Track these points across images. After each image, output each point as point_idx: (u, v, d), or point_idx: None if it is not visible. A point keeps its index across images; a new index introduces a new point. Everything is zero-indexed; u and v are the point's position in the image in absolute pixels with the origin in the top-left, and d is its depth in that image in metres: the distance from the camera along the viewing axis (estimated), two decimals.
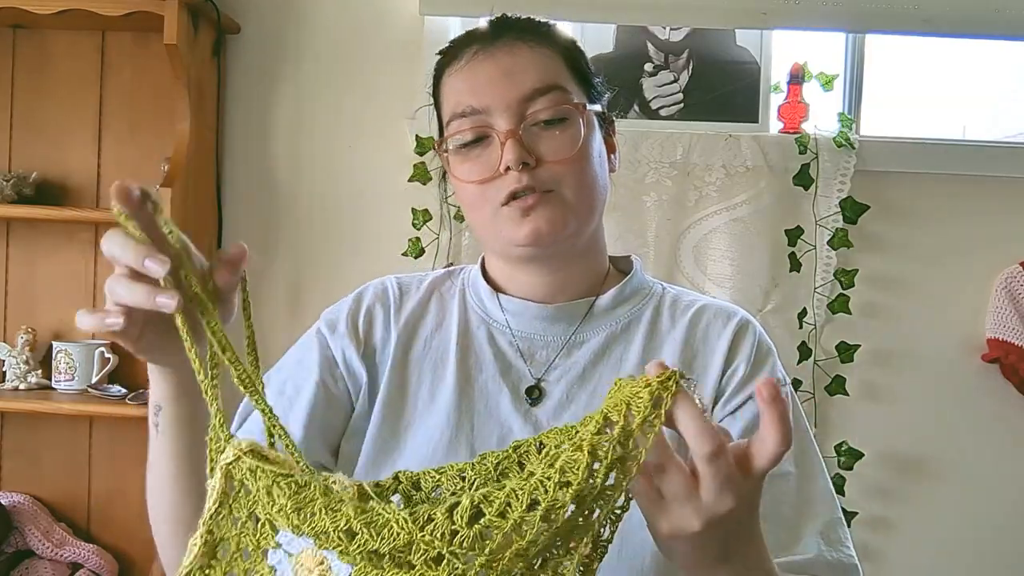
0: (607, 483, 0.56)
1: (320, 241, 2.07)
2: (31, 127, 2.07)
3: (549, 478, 0.56)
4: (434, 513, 0.56)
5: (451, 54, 0.94)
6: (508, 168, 0.86)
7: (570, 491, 0.55)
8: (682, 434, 0.59)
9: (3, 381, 2.02)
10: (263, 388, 0.67)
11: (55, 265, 2.07)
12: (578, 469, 0.55)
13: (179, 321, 0.64)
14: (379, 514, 0.57)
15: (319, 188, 2.07)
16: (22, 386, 1.98)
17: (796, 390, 1.98)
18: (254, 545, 0.61)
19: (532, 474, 0.57)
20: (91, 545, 1.98)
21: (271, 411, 0.67)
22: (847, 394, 1.99)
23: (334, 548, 0.57)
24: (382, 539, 0.56)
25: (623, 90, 2.06)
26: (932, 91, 2.20)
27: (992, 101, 2.23)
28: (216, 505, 0.62)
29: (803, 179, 1.96)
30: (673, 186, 1.97)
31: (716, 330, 0.94)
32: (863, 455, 1.98)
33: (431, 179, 2.00)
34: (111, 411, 1.89)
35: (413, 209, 2.01)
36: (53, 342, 2.01)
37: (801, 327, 1.98)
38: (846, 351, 1.99)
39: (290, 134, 2.07)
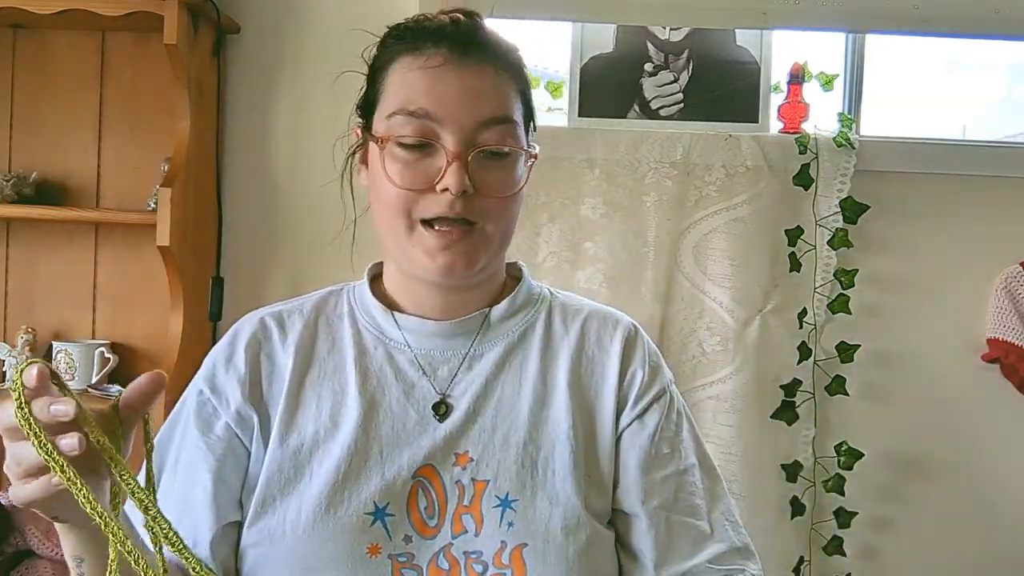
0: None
1: (320, 241, 2.07)
2: (31, 127, 2.07)
3: None
4: None
5: (413, 43, 0.92)
6: (446, 190, 0.85)
7: None
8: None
9: (3, 381, 2.02)
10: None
11: (55, 265, 2.07)
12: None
13: (65, 480, 0.64)
14: None
15: (319, 188, 2.07)
16: None
17: (796, 390, 1.98)
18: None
19: None
20: None
21: (176, 537, 0.69)
22: (847, 394, 1.99)
23: None
24: None
25: (623, 90, 2.06)
26: (932, 91, 2.20)
27: (992, 101, 2.24)
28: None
29: (803, 179, 1.96)
30: (673, 186, 1.97)
31: (607, 337, 0.96)
32: (863, 455, 1.98)
33: None
34: None
35: None
36: (53, 342, 2.01)
37: (801, 327, 1.98)
38: (846, 351, 1.99)
39: (290, 134, 2.07)
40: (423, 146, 0.87)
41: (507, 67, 0.91)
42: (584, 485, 0.88)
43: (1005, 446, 2.02)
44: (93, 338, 2.04)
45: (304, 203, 2.07)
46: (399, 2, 2.02)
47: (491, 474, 0.87)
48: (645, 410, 0.93)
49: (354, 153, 0.99)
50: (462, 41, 0.89)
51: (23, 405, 0.64)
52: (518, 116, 0.91)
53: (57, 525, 0.74)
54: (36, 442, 0.63)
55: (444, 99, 0.87)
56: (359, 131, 0.97)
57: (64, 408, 0.64)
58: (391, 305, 0.96)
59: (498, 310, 0.96)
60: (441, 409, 0.91)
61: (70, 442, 0.64)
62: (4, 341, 2.05)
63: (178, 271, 1.85)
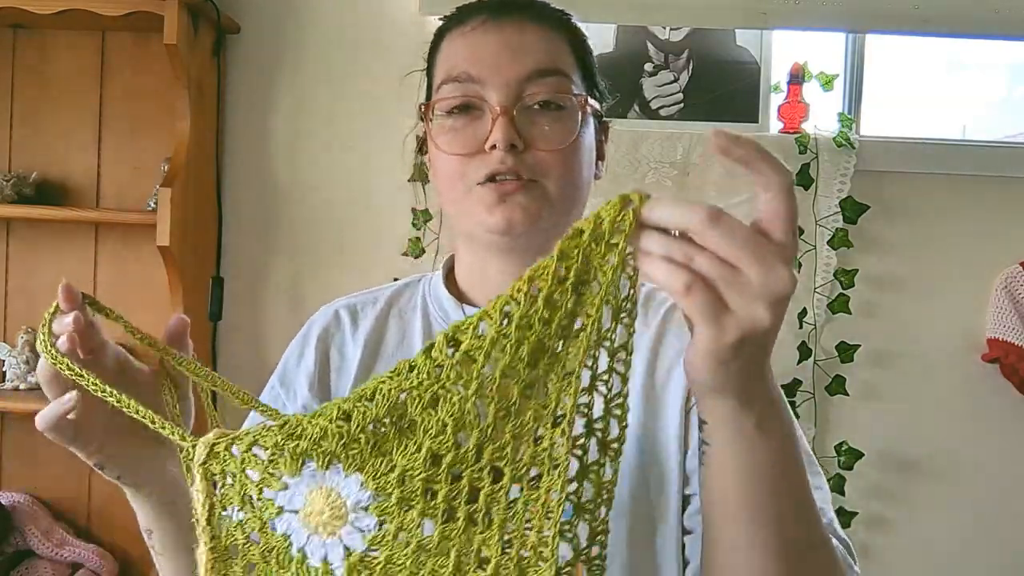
0: (584, 301, 0.54)
1: (320, 241, 2.07)
2: (31, 127, 2.07)
3: (519, 289, 0.54)
4: (414, 361, 0.55)
5: (456, 18, 0.89)
6: (494, 147, 0.81)
7: (540, 298, 0.53)
8: (670, 227, 0.55)
9: (3, 381, 2.02)
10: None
11: (55, 265, 2.07)
12: (545, 274, 0.53)
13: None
14: (365, 389, 0.56)
15: (319, 188, 2.07)
16: (22, 386, 1.98)
17: (796, 390, 1.98)
18: (258, 525, 0.59)
19: (500, 296, 0.54)
20: (91, 545, 1.98)
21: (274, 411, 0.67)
22: (847, 394, 1.99)
23: (334, 446, 0.56)
24: (376, 404, 0.55)
25: (623, 90, 2.06)
26: (932, 91, 2.20)
27: (992, 101, 2.23)
28: (207, 510, 0.60)
29: (803, 179, 1.96)
30: (673, 186, 1.97)
31: (671, 312, 0.91)
32: (863, 455, 1.98)
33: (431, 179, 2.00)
34: None
35: (413, 209, 2.01)
36: None
37: (801, 327, 1.98)
38: (846, 351, 1.99)
39: (290, 134, 2.07)
40: (468, 109, 0.84)
41: (554, 24, 0.87)
42: (650, 484, 0.83)
43: (1005, 446, 2.02)
44: None
45: (304, 203, 2.07)
46: (399, 2, 2.02)
47: None
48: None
49: (421, 146, 0.95)
50: (503, 5, 0.86)
51: (45, 323, 0.65)
52: (570, 70, 0.86)
53: (127, 492, 0.74)
54: (46, 350, 0.64)
55: (484, 59, 0.84)
56: (423, 116, 0.93)
57: (70, 319, 0.65)
58: (462, 298, 0.92)
59: None
60: None
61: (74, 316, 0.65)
62: (4, 341, 2.05)
63: (178, 271, 1.85)
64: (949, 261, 2.02)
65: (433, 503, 0.55)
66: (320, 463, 0.56)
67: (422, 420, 0.55)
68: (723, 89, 2.06)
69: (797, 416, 1.98)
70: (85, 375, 0.63)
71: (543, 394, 0.55)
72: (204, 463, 0.59)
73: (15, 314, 2.08)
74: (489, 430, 0.54)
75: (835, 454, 1.98)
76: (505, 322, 0.53)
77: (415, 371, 0.54)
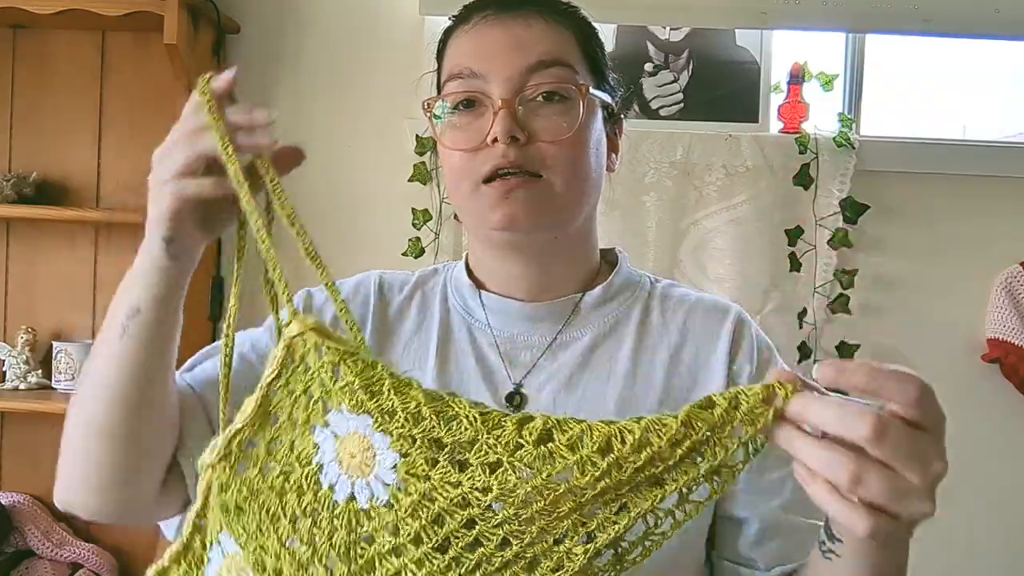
0: (686, 464, 0.54)
1: (320, 241, 2.06)
2: (31, 127, 2.07)
3: (631, 431, 0.54)
4: (505, 421, 0.55)
5: (462, 17, 0.89)
6: (496, 140, 0.80)
7: (646, 452, 0.53)
8: (822, 431, 0.54)
9: (3, 381, 2.02)
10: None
11: (55, 265, 2.07)
12: (663, 433, 0.54)
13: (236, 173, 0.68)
14: (449, 406, 0.57)
15: (319, 188, 2.06)
16: (22, 386, 1.98)
17: None
18: (303, 419, 0.61)
19: (614, 422, 0.55)
20: (91, 545, 1.98)
21: (336, 290, 0.72)
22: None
23: (396, 430, 0.57)
24: (448, 430, 0.56)
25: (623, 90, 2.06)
26: (932, 91, 2.20)
27: (992, 101, 2.23)
28: (275, 374, 0.62)
29: (803, 179, 1.96)
30: (673, 186, 1.97)
31: (713, 328, 0.88)
32: None
33: (431, 179, 2.00)
34: None
35: (413, 209, 2.01)
36: (53, 342, 2.01)
37: (801, 327, 1.98)
38: (846, 351, 1.99)
39: (290, 134, 2.06)
40: (472, 105, 0.83)
41: (559, 16, 0.86)
42: None
43: (1005, 446, 2.02)
44: (93, 338, 2.03)
45: (304, 202, 2.06)
46: (399, 2, 2.02)
47: None
48: None
49: (434, 147, 0.96)
50: (509, 0, 0.86)
51: (210, 99, 0.69)
52: (574, 61, 0.85)
53: (150, 261, 0.75)
54: (219, 136, 0.68)
55: (486, 53, 0.83)
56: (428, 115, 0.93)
57: (263, 114, 0.69)
58: (482, 285, 0.91)
59: (591, 296, 0.89)
60: (515, 400, 0.85)
61: (262, 113, 0.70)
62: (4, 341, 2.05)
63: None
64: (949, 261, 2.02)
65: (437, 528, 0.57)
66: (376, 425, 0.58)
67: (474, 472, 0.56)
68: (723, 89, 2.06)
69: None
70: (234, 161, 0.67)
71: (591, 515, 0.56)
72: (294, 336, 0.62)
73: (15, 314, 2.08)
74: (523, 518, 0.55)
75: None
76: (599, 451, 0.54)
77: (500, 431, 0.55)
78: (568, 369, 0.86)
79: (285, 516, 0.61)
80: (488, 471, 0.55)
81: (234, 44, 2.07)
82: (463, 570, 0.56)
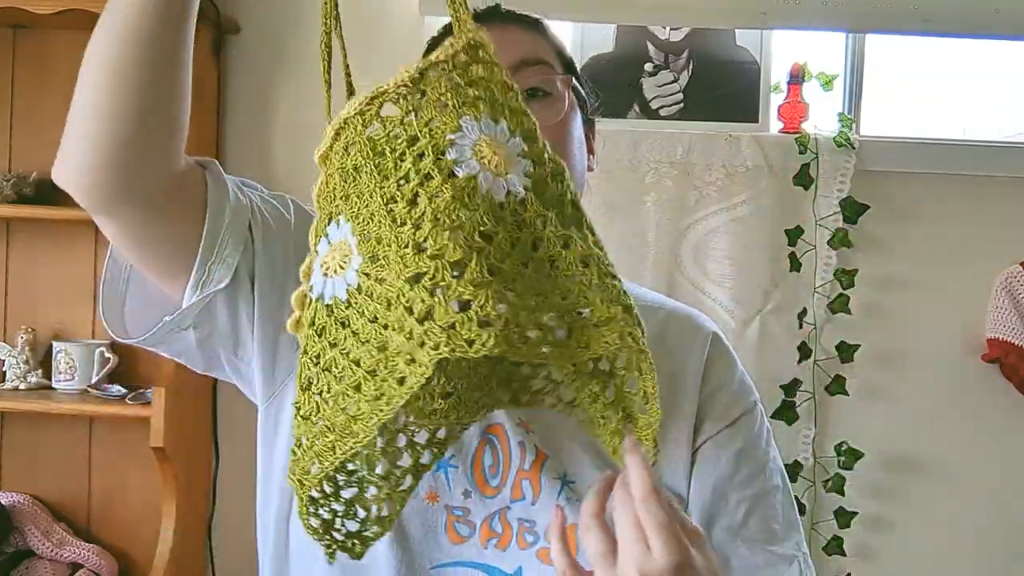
0: None
1: None
2: (31, 127, 2.07)
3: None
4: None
5: (440, 39, 0.93)
6: None
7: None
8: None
9: (3, 381, 2.02)
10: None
11: (55, 265, 2.07)
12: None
13: None
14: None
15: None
16: (22, 386, 1.98)
17: (796, 390, 1.98)
18: (456, 104, 0.64)
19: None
20: (91, 545, 1.98)
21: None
22: (847, 394, 1.99)
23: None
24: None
25: (623, 90, 2.06)
26: (932, 91, 2.20)
27: (992, 101, 2.23)
28: (446, 57, 0.66)
29: (803, 179, 1.96)
30: (673, 186, 1.97)
31: (688, 341, 0.90)
32: (863, 455, 1.98)
33: None
34: (111, 411, 1.89)
35: None
36: (53, 342, 2.01)
37: (801, 327, 1.98)
38: (846, 351, 1.99)
39: (290, 134, 2.07)
40: None
41: (532, 26, 0.92)
42: None
43: (1005, 446, 2.02)
44: (93, 338, 2.04)
45: (304, 202, 2.07)
46: (399, 2, 2.02)
47: (552, 452, 0.84)
48: (731, 425, 0.87)
49: None
50: (483, 15, 0.90)
51: None
52: (553, 61, 0.90)
53: None
54: None
55: None
56: None
57: None
58: None
59: None
60: None
61: None
62: (4, 341, 2.05)
63: None
64: (949, 261, 2.02)
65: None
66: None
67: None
68: (723, 89, 2.06)
69: (796, 417, 1.98)
70: None
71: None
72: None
73: (15, 314, 2.08)
74: None
75: (835, 454, 1.98)
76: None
77: None
78: None
79: (397, 174, 0.62)
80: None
81: (234, 44, 2.07)
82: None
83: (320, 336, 0.65)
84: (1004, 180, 2.02)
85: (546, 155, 0.65)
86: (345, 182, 0.64)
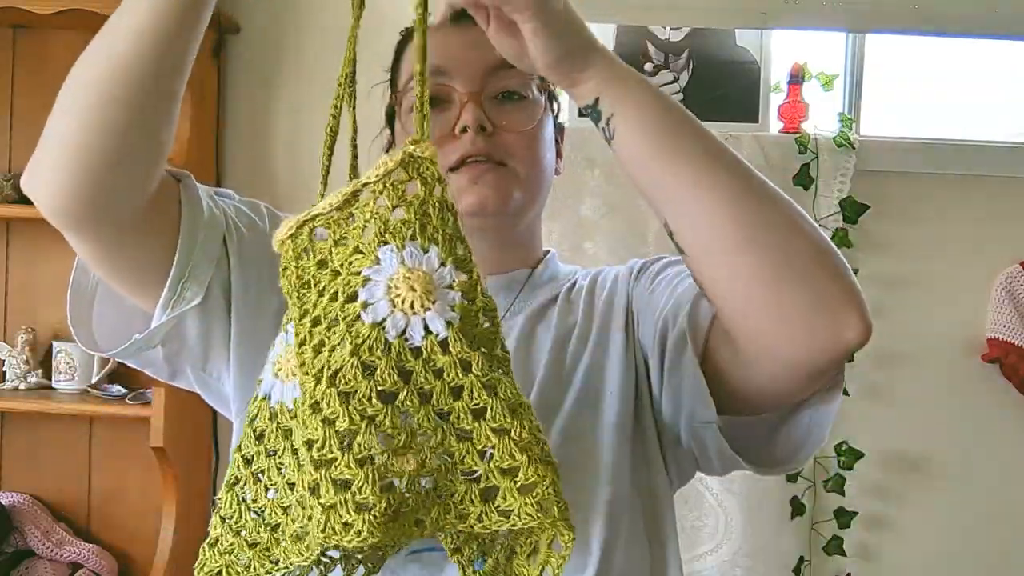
0: None
1: None
2: (31, 127, 2.05)
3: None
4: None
5: (403, 44, 0.97)
6: (464, 130, 0.86)
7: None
8: None
9: (3, 381, 2.02)
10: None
11: (55, 265, 2.07)
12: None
13: None
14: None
15: (319, 186, 2.07)
16: (22, 386, 1.98)
17: None
18: (381, 230, 0.60)
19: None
20: (91, 545, 1.98)
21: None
22: (847, 394, 1.98)
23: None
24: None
25: None
26: (932, 91, 2.20)
27: (992, 101, 2.23)
28: (379, 177, 0.62)
29: (803, 179, 1.96)
30: None
31: (611, 272, 0.95)
32: (863, 455, 1.98)
33: None
34: (111, 411, 1.89)
35: None
36: (53, 342, 2.01)
37: None
38: None
39: (290, 134, 2.07)
40: (436, 102, 0.87)
41: None
42: (618, 404, 0.85)
43: (1005, 446, 2.02)
44: None
45: (304, 203, 2.06)
46: (399, 2, 2.02)
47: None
48: (636, 278, 0.92)
49: (388, 149, 0.99)
50: (461, 13, 0.89)
51: None
52: None
53: None
54: None
55: (450, 53, 0.88)
56: (388, 132, 0.99)
57: None
58: None
59: (540, 268, 0.95)
60: None
61: None
62: (4, 341, 2.05)
63: None
64: (949, 261, 2.02)
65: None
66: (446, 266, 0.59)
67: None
68: (723, 89, 2.06)
69: None
70: None
71: None
72: (416, 156, 0.61)
73: (15, 314, 2.08)
74: None
75: (835, 454, 1.98)
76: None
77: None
78: (519, 326, 0.90)
79: (312, 313, 0.59)
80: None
81: (234, 44, 2.07)
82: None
83: (259, 440, 0.61)
84: (1004, 180, 2.02)
85: (479, 288, 0.59)
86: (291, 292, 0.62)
